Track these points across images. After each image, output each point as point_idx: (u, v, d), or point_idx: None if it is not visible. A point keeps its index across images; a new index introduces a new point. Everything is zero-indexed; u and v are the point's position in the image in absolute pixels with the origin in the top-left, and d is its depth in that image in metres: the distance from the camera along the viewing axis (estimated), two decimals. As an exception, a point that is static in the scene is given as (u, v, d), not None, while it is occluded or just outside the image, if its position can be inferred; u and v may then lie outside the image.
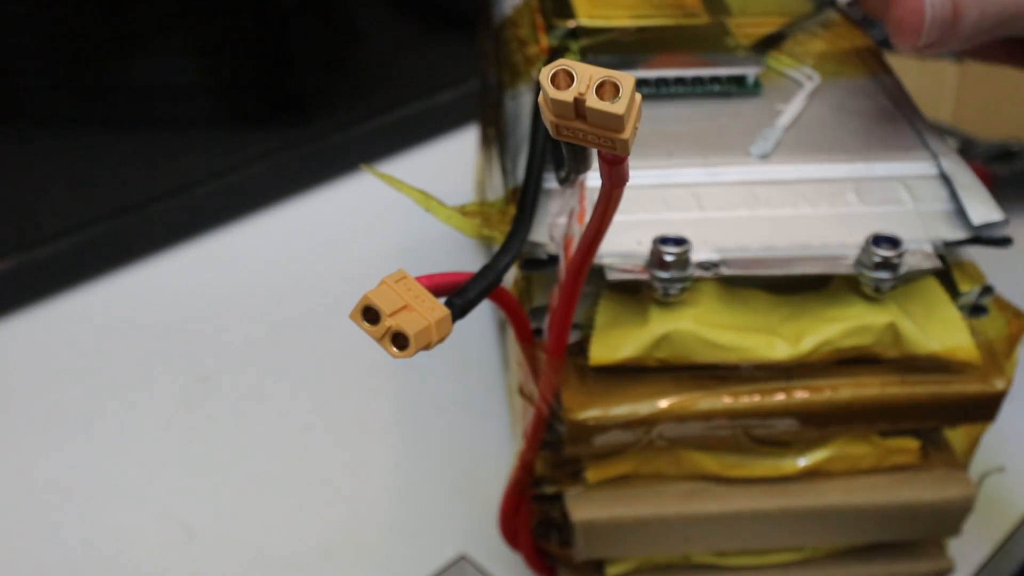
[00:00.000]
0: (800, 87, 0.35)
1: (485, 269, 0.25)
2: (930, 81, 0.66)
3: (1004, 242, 0.29)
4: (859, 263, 0.29)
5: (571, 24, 0.37)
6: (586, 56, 0.35)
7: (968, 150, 0.57)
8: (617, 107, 0.19)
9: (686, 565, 0.34)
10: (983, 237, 0.29)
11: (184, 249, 0.54)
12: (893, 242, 0.28)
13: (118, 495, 0.41)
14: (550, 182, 0.30)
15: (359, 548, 0.39)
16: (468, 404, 0.45)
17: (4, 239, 0.50)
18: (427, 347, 0.22)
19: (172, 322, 0.49)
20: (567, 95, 0.19)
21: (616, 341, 0.29)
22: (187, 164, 0.55)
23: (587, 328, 0.30)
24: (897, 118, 0.33)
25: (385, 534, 0.39)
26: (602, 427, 0.29)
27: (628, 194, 0.29)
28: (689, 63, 0.34)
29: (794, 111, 0.33)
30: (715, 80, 0.34)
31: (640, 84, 0.34)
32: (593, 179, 0.30)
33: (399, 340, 0.21)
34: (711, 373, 0.30)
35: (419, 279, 0.23)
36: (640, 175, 0.31)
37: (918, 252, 0.29)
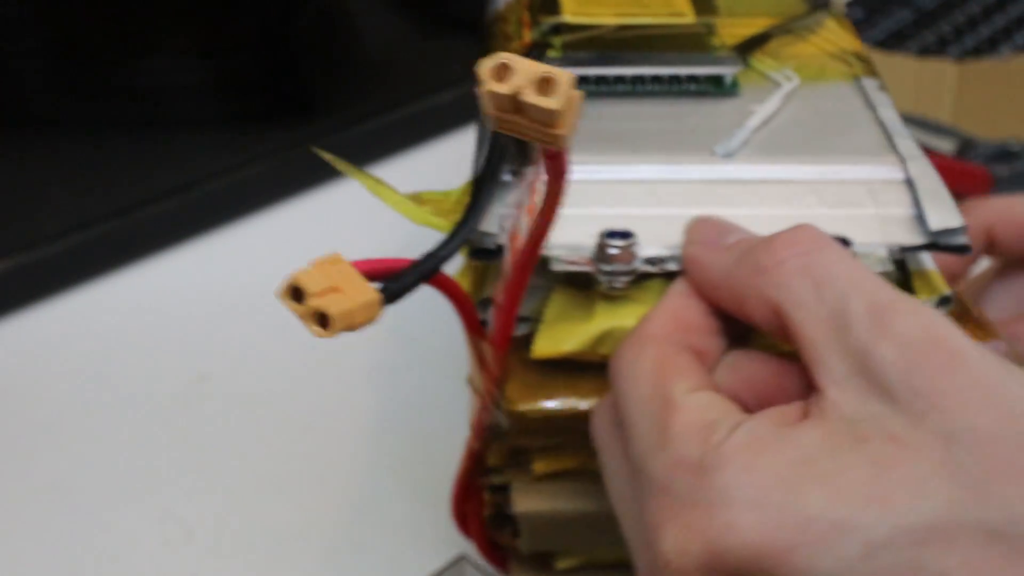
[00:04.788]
0: (777, 89, 0.35)
1: (426, 256, 0.26)
2: (930, 81, 0.66)
3: (963, 249, 0.29)
4: None
5: (555, 20, 0.38)
6: (565, 52, 0.36)
7: (968, 150, 0.57)
8: (553, 103, 0.20)
9: None
10: (940, 243, 0.29)
11: (184, 249, 0.54)
12: (842, 243, 0.28)
13: (118, 495, 0.41)
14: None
15: (359, 548, 0.39)
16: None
17: (4, 239, 0.50)
18: (351, 328, 0.22)
19: (172, 322, 0.49)
20: (505, 88, 0.20)
21: (561, 335, 0.30)
22: (187, 164, 0.55)
23: (537, 321, 0.30)
24: (871, 122, 0.34)
25: (385, 534, 0.39)
26: (543, 419, 0.30)
27: (585, 188, 0.30)
28: (668, 61, 0.35)
29: (766, 112, 0.34)
30: (692, 79, 0.35)
31: (616, 81, 0.35)
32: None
33: (322, 320, 0.22)
34: None
35: (356, 263, 0.23)
36: (600, 170, 0.32)
37: (872, 256, 0.29)
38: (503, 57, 0.20)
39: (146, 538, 0.40)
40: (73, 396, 0.46)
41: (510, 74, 0.20)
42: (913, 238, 0.30)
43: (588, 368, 0.30)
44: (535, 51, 0.35)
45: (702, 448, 0.24)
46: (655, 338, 0.26)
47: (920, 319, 0.23)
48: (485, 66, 0.20)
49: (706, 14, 0.38)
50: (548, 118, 0.20)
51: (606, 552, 0.34)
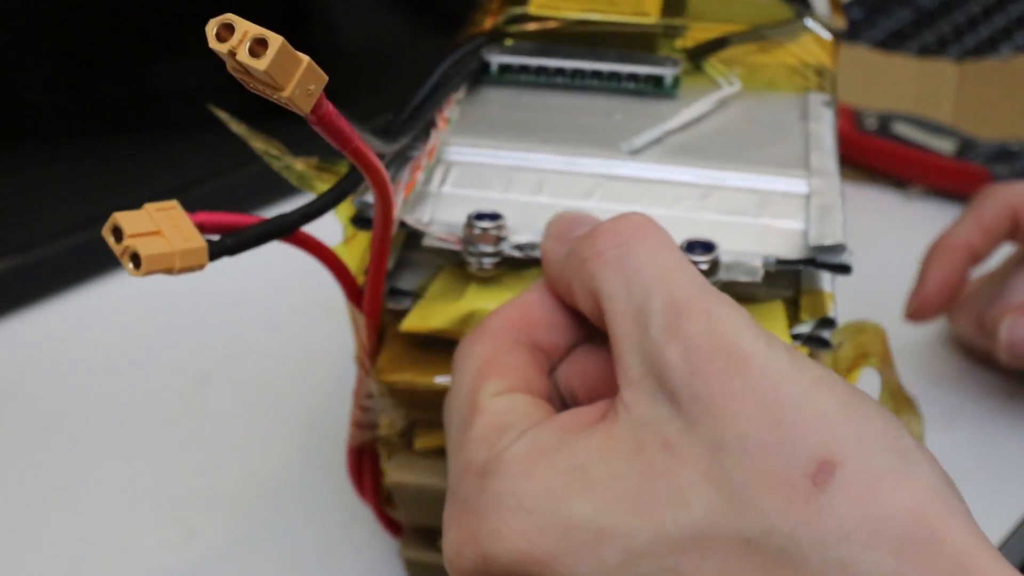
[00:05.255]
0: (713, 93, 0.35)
1: (277, 216, 0.27)
2: (930, 81, 0.66)
3: (842, 269, 0.29)
4: None
5: (519, 11, 0.38)
6: (516, 42, 0.36)
7: (968, 150, 0.57)
8: (260, 63, 0.20)
9: None
10: (818, 260, 0.29)
11: (184, 249, 0.54)
12: (707, 247, 0.28)
13: (118, 495, 0.41)
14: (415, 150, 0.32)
15: (360, 548, 0.39)
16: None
17: (4, 239, 0.50)
18: (169, 271, 0.24)
19: (172, 322, 0.49)
20: (223, 47, 0.21)
21: (431, 312, 0.30)
22: (187, 164, 0.55)
23: (420, 296, 0.31)
24: (798, 135, 0.33)
25: (385, 534, 0.39)
26: (410, 392, 0.31)
27: (480, 171, 0.32)
28: (609, 58, 0.35)
29: (690, 114, 0.34)
30: (632, 77, 0.35)
31: (556, 73, 0.35)
32: (463, 154, 0.32)
33: (136, 260, 0.23)
34: None
35: (198, 213, 0.25)
36: (500, 155, 0.32)
37: (743, 265, 0.29)
38: (227, 17, 0.21)
39: (146, 538, 0.40)
40: (73, 396, 0.46)
41: (230, 34, 0.20)
42: (792, 252, 0.29)
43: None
44: (489, 38, 0.36)
45: (488, 453, 0.24)
46: (493, 332, 0.27)
47: (710, 322, 0.23)
48: (210, 24, 0.21)
49: (672, 16, 0.38)
50: (265, 79, 0.21)
51: None
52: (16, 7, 0.50)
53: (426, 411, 0.31)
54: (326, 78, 0.22)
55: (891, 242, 0.54)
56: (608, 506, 0.23)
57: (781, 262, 0.29)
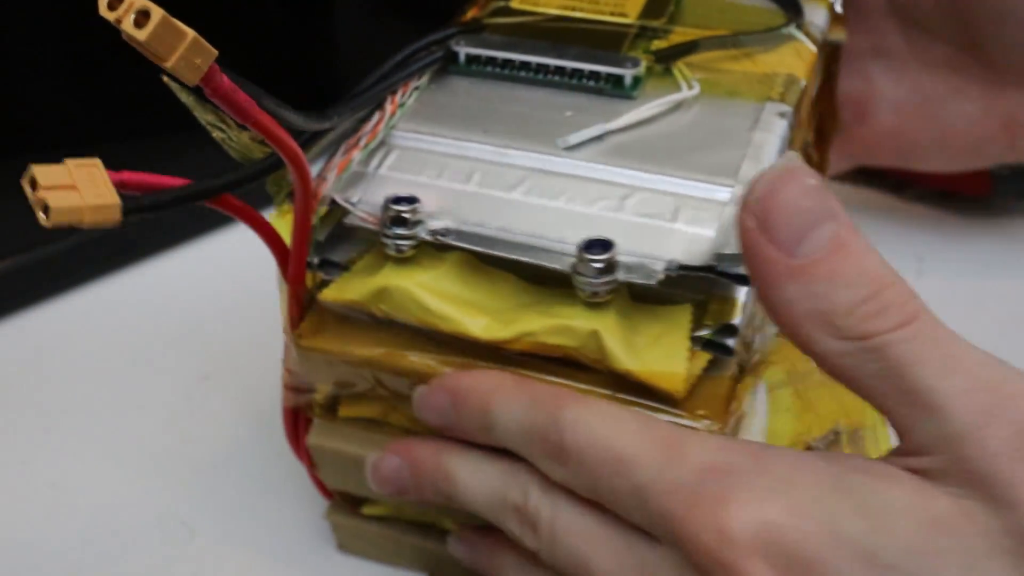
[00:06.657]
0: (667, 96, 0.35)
1: (200, 181, 0.28)
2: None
3: (742, 280, 0.29)
4: (575, 264, 0.29)
5: (500, 3, 0.39)
6: (487, 31, 0.37)
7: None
8: (140, 34, 0.21)
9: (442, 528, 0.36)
10: (719, 268, 0.29)
11: (184, 249, 0.54)
12: (605, 246, 0.29)
13: (118, 495, 0.41)
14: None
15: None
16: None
17: (4, 239, 0.50)
18: (80, 224, 0.25)
19: (172, 322, 0.49)
20: (111, 16, 0.22)
21: (349, 285, 0.32)
22: (187, 163, 0.54)
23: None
24: (741, 143, 0.33)
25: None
26: (327, 360, 0.32)
27: (415, 156, 0.33)
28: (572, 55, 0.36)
29: (636, 116, 0.34)
30: (593, 75, 0.35)
31: (521, 67, 0.36)
32: (406, 139, 0.33)
33: (46, 211, 0.24)
34: (438, 338, 0.31)
35: (123, 172, 0.26)
36: (439, 142, 0.33)
37: (644, 268, 0.29)
38: None
39: (146, 538, 0.40)
40: (73, 396, 0.46)
41: (120, 3, 0.22)
42: (696, 258, 0.29)
43: (390, 324, 0.31)
44: (466, 29, 0.37)
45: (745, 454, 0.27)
46: None
47: None
48: None
49: (653, 18, 0.38)
50: (145, 50, 0.22)
51: (410, 510, 0.36)
52: (19, 12, 0.50)
53: (343, 380, 0.33)
54: (215, 52, 0.23)
55: (890, 242, 0.53)
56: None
57: (684, 268, 0.29)
